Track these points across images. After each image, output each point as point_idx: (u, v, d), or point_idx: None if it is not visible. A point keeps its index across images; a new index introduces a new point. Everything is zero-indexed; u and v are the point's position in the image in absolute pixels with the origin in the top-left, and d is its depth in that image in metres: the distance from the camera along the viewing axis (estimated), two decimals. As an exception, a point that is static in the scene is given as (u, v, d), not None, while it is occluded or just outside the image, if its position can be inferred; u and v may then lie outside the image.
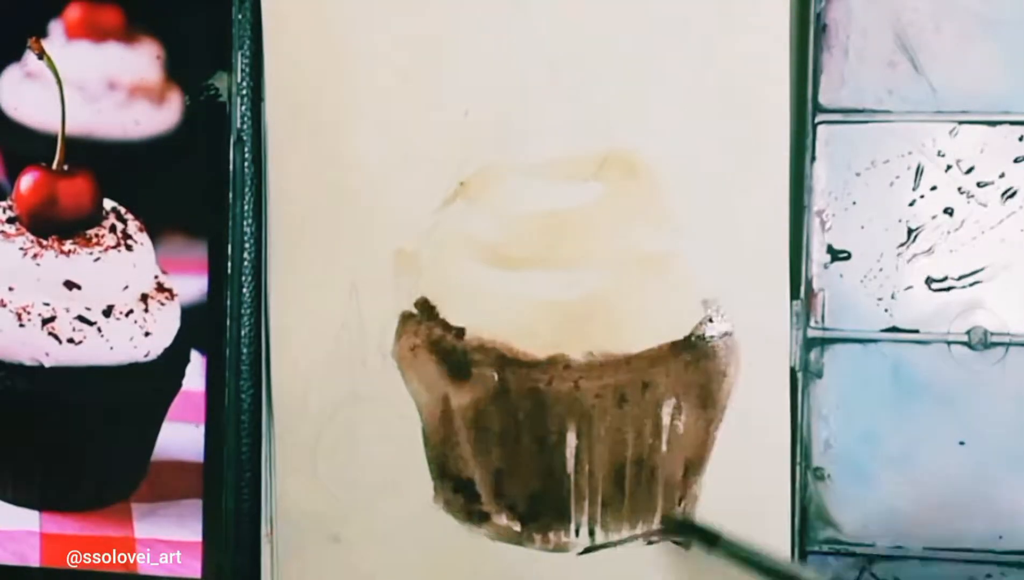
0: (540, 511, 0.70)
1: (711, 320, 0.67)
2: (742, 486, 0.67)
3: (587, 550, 0.69)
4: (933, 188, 0.66)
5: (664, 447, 0.68)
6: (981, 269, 0.66)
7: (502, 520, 0.70)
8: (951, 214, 0.66)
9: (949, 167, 0.66)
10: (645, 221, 0.67)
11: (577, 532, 0.69)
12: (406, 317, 0.70)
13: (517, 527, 0.70)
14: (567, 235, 0.68)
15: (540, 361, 0.68)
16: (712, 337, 0.67)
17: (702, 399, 0.68)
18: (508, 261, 0.68)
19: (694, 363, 0.67)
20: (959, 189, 0.66)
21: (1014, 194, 0.65)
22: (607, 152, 0.67)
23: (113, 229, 0.70)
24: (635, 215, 0.67)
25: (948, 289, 0.66)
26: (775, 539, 0.67)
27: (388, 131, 0.69)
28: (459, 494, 0.70)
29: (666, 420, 0.68)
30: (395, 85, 0.69)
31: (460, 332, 0.69)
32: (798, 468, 0.67)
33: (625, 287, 0.67)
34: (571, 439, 0.69)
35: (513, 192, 0.68)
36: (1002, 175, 0.65)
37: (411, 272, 0.69)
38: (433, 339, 0.69)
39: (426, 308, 0.69)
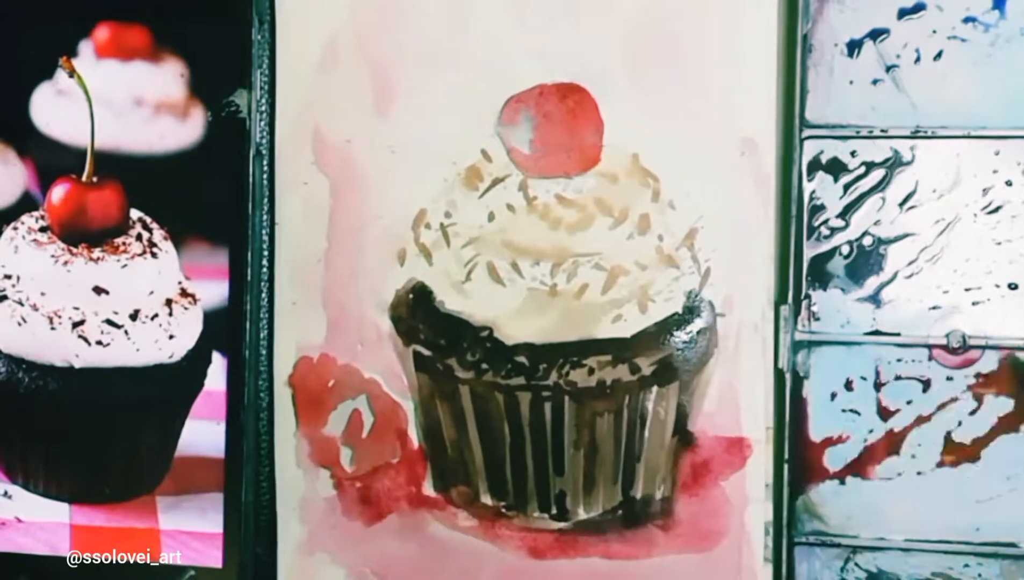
0: (524, 492, 0.71)
1: (698, 308, 0.69)
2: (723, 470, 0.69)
3: (568, 530, 0.70)
4: (915, 199, 0.67)
5: (647, 433, 0.69)
6: (961, 276, 0.67)
7: (487, 500, 0.71)
8: (933, 224, 0.67)
9: (929, 180, 0.67)
10: (636, 223, 0.69)
11: (560, 513, 0.71)
12: (402, 300, 0.71)
13: (501, 507, 0.71)
14: (561, 227, 0.69)
15: (529, 345, 0.69)
16: (698, 326, 0.69)
17: (685, 385, 0.69)
18: (502, 249, 0.69)
19: (679, 351, 0.68)
20: (940, 201, 0.67)
21: (991, 205, 0.67)
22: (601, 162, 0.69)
23: (139, 237, 0.71)
24: (627, 216, 0.69)
25: (929, 295, 0.67)
26: (755, 527, 0.69)
27: (390, 131, 0.71)
28: (448, 475, 0.72)
29: (649, 406, 0.69)
30: (397, 85, 0.70)
31: (454, 316, 0.70)
32: (785, 465, 0.69)
33: (615, 277, 0.69)
34: (556, 422, 0.69)
35: (509, 185, 0.69)
36: (983, 190, 0.67)
37: (408, 258, 0.70)
38: (426, 322, 0.70)
39: (422, 292, 0.70)
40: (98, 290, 0.70)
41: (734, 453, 0.69)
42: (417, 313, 0.71)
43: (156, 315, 0.71)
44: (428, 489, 0.72)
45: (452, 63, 0.70)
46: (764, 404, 0.68)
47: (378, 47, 0.71)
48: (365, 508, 0.73)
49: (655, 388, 0.69)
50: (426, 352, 0.71)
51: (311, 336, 0.72)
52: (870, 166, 0.68)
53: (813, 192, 0.68)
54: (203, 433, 0.72)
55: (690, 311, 0.69)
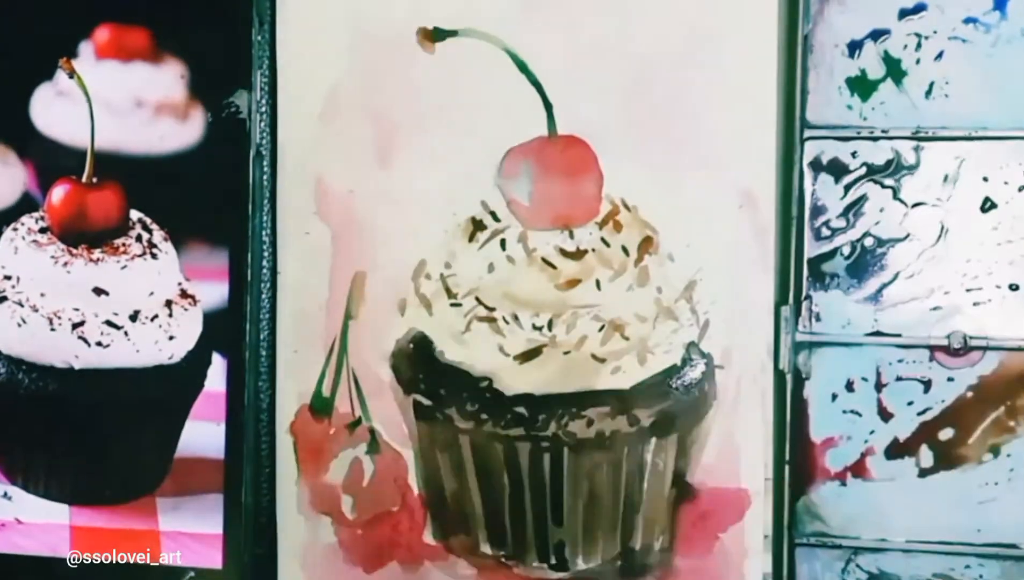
0: (524, 542, 0.71)
1: (696, 360, 0.69)
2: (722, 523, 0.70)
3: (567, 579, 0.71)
4: (916, 200, 0.67)
5: (645, 484, 0.70)
6: (962, 277, 0.67)
7: (487, 549, 0.72)
8: (934, 225, 0.67)
9: (930, 181, 0.67)
10: (635, 275, 0.69)
11: (559, 563, 0.71)
12: (402, 350, 0.71)
13: (501, 557, 0.72)
14: (560, 278, 0.69)
15: (528, 396, 0.69)
16: (697, 378, 0.69)
17: (683, 437, 0.69)
18: (502, 300, 0.70)
19: (678, 402, 0.69)
20: (941, 201, 0.67)
21: (992, 206, 0.67)
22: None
23: (139, 238, 0.72)
24: (626, 268, 0.69)
25: (930, 296, 0.67)
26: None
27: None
28: (447, 524, 0.72)
29: (648, 458, 0.69)
30: (398, 137, 0.71)
31: (454, 367, 0.70)
32: (786, 467, 0.69)
33: (614, 329, 0.69)
34: (555, 473, 0.70)
35: (509, 236, 0.70)
36: (984, 191, 0.67)
37: (409, 308, 0.71)
38: (426, 372, 0.71)
39: (423, 343, 0.71)
40: (98, 291, 0.71)
41: (732, 505, 0.69)
42: (417, 363, 0.71)
43: (156, 316, 0.72)
44: (428, 537, 0.73)
45: (453, 115, 0.70)
46: (763, 454, 0.69)
47: (379, 98, 0.71)
48: (366, 556, 0.73)
49: (654, 440, 0.69)
50: (426, 402, 0.71)
51: (312, 384, 0.72)
52: (871, 167, 0.68)
53: (814, 193, 0.68)
54: (203, 434, 0.73)
55: (689, 363, 0.69)
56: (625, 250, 0.69)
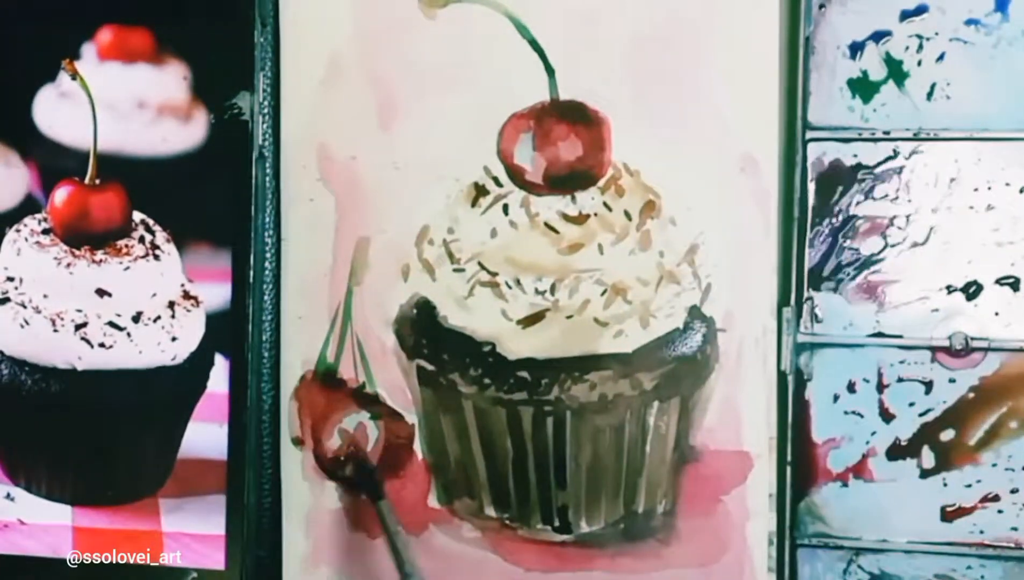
0: (527, 505, 0.72)
1: (699, 324, 0.69)
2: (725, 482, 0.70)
3: (571, 543, 0.71)
4: (917, 201, 0.67)
5: (648, 447, 0.70)
6: (963, 278, 0.67)
7: (491, 512, 0.72)
8: (935, 226, 0.67)
9: (931, 182, 0.67)
10: (637, 239, 0.69)
11: (562, 526, 0.71)
12: (406, 315, 0.72)
13: (505, 519, 0.72)
14: (563, 242, 0.69)
15: (531, 361, 0.70)
16: (699, 341, 0.69)
17: (686, 400, 0.69)
18: (505, 265, 0.70)
19: (681, 366, 0.69)
20: (942, 203, 0.67)
21: (994, 207, 0.67)
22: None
23: (142, 240, 0.72)
24: (628, 232, 0.69)
25: (931, 297, 0.68)
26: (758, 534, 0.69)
27: (396, 141, 0.71)
28: (452, 487, 0.72)
29: (651, 421, 0.70)
30: (401, 103, 0.71)
31: (457, 332, 0.70)
32: (788, 468, 0.69)
33: (616, 293, 0.69)
34: (558, 436, 0.70)
35: (511, 201, 0.70)
36: (986, 192, 0.67)
37: (412, 274, 0.71)
38: (429, 337, 0.71)
39: (426, 308, 0.71)
40: (101, 292, 0.71)
41: (735, 467, 0.69)
42: (421, 328, 0.71)
43: (159, 317, 0.72)
44: (433, 501, 0.73)
45: (455, 80, 0.70)
46: (766, 417, 0.69)
47: (382, 64, 0.71)
48: (370, 520, 0.73)
49: (656, 403, 0.70)
50: (430, 367, 0.71)
51: (317, 350, 0.73)
52: (872, 168, 0.68)
53: (815, 194, 0.68)
54: (205, 435, 0.73)
55: (691, 327, 0.69)
56: (627, 214, 0.69)
